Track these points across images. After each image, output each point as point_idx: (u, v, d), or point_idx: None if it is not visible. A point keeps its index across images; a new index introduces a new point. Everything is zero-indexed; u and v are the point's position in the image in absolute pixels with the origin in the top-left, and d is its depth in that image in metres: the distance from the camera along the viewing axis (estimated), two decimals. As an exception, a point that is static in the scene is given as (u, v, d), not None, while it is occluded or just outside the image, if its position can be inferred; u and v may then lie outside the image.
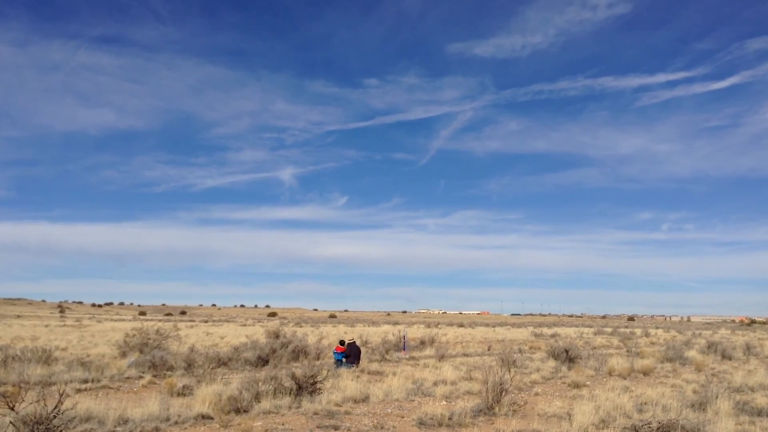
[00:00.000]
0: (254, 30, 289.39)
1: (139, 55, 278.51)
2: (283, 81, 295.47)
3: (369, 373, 21.31)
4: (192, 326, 72.20)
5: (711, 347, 34.12)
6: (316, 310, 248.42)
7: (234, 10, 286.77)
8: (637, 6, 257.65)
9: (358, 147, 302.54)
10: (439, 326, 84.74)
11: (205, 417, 12.16)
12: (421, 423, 12.04)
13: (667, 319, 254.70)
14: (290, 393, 14.23)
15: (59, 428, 9.46)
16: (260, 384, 14.14)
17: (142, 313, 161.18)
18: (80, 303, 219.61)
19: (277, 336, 35.31)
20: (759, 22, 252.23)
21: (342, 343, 24.22)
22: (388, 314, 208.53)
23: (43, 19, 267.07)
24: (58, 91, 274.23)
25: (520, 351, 35.57)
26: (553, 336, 57.16)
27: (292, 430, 11.33)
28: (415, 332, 54.52)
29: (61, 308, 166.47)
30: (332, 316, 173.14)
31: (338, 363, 23.10)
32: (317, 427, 11.57)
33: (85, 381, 17.52)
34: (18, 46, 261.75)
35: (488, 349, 37.57)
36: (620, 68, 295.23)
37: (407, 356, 28.99)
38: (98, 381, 17.73)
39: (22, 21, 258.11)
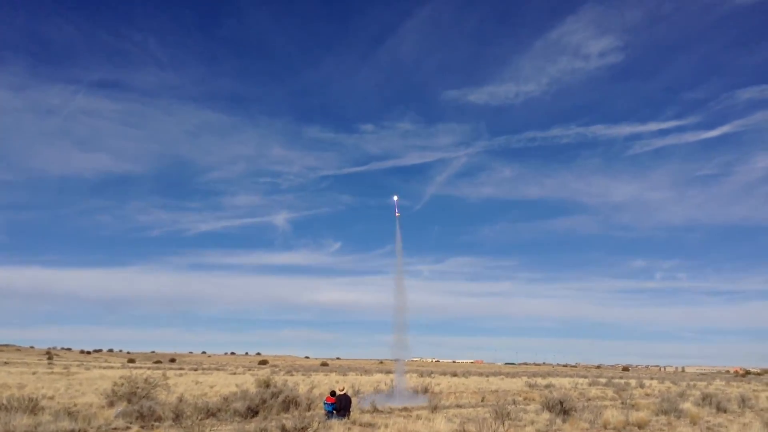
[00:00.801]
0: (252, 76, 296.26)
1: (137, 100, 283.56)
2: (279, 126, 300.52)
3: (360, 425, 21.00)
4: (181, 374, 71.04)
5: (706, 399, 33.82)
6: (307, 357, 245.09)
7: (233, 57, 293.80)
8: (629, 56, 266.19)
9: (352, 192, 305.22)
10: (433, 375, 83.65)
11: (193, 471, 11.95)
12: (412, 478, 11.86)
13: (662, 369, 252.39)
14: (280, 446, 14.03)
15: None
16: (250, 436, 13.95)
17: (131, 361, 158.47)
18: (69, 350, 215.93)
19: (267, 385, 34.81)
20: (749, 73, 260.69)
21: (333, 393, 23.90)
22: (381, 362, 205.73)
23: (43, 64, 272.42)
24: (55, 135, 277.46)
25: (514, 402, 35.13)
26: (547, 386, 56.52)
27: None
28: (408, 381, 53.80)
29: (50, 355, 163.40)
30: (324, 364, 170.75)
31: (329, 414, 22.75)
32: (307, 481, 11.39)
33: (72, 432, 17.21)
34: (16, 89, 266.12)
35: (482, 400, 37.09)
36: (612, 117, 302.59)
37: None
38: (85, 432, 17.41)
39: (21, 65, 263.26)
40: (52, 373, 67.34)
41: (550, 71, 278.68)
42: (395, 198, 32.62)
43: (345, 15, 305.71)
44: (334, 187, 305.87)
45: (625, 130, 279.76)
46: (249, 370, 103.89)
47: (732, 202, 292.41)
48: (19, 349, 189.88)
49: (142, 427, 19.09)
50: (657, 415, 27.32)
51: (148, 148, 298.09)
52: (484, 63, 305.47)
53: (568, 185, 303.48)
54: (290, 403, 26.02)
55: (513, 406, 30.10)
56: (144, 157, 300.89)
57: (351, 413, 23.30)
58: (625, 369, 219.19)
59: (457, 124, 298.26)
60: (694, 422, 24.37)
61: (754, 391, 55.50)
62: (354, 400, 26.81)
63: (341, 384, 29.64)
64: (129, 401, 25.34)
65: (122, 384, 27.74)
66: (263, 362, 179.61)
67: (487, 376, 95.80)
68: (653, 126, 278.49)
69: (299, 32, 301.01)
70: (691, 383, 76.98)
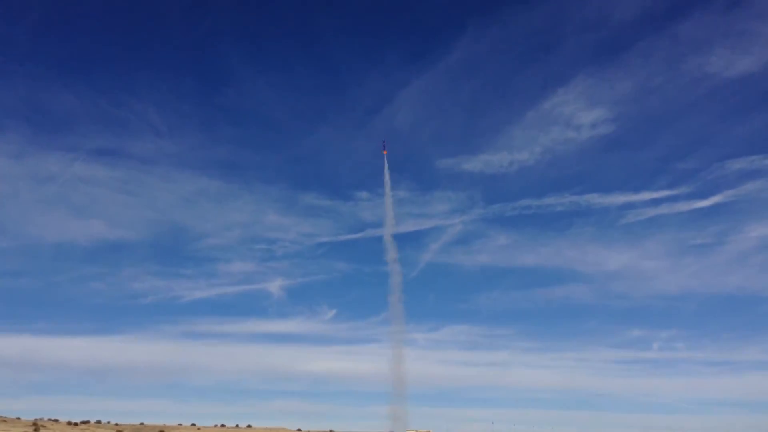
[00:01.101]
0: (249, 144, 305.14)
1: (135, 167, 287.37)
2: (275, 193, 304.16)
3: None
4: (172, 449, 70.44)
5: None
6: (299, 430, 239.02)
7: (230, 125, 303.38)
8: (620, 127, 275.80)
9: (347, 259, 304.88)
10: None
11: None
12: None
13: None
14: None
15: None
16: None
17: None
18: (56, 420, 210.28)
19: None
20: (739, 144, 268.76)
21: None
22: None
23: (41, 132, 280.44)
24: (51, 203, 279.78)
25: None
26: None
27: None
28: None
29: (36, 426, 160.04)
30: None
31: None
32: None
33: None
34: (15, 157, 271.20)
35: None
36: (605, 186, 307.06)
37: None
38: None
39: (20, 132, 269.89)
40: (43, 447, 66.76)
41: (543, 141, 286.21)
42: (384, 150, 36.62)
43: (341, 84, 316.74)
44: (330, 254, 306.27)
45: (619, 199, 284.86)
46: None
47: (727, 271, 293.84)
48: (5, 420, 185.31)
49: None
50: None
51: (144, 214, 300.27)
52: (478, 132, 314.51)
53: (563, 253, 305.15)
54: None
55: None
56: (139, 224, 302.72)
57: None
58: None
59: (452, 192, 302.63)
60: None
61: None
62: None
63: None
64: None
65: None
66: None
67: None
68: (646, 195, 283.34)
69: (296, 101, 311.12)
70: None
